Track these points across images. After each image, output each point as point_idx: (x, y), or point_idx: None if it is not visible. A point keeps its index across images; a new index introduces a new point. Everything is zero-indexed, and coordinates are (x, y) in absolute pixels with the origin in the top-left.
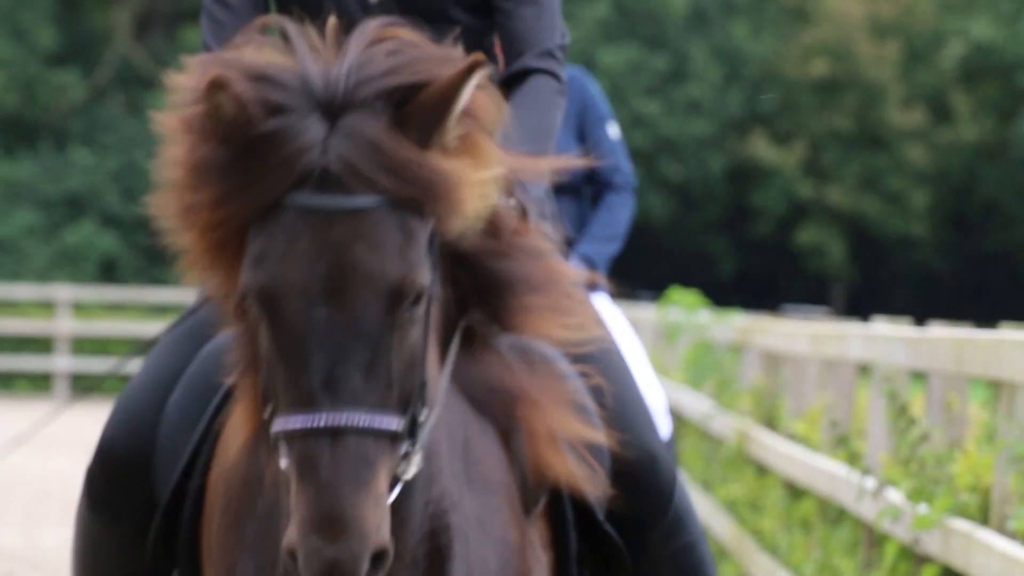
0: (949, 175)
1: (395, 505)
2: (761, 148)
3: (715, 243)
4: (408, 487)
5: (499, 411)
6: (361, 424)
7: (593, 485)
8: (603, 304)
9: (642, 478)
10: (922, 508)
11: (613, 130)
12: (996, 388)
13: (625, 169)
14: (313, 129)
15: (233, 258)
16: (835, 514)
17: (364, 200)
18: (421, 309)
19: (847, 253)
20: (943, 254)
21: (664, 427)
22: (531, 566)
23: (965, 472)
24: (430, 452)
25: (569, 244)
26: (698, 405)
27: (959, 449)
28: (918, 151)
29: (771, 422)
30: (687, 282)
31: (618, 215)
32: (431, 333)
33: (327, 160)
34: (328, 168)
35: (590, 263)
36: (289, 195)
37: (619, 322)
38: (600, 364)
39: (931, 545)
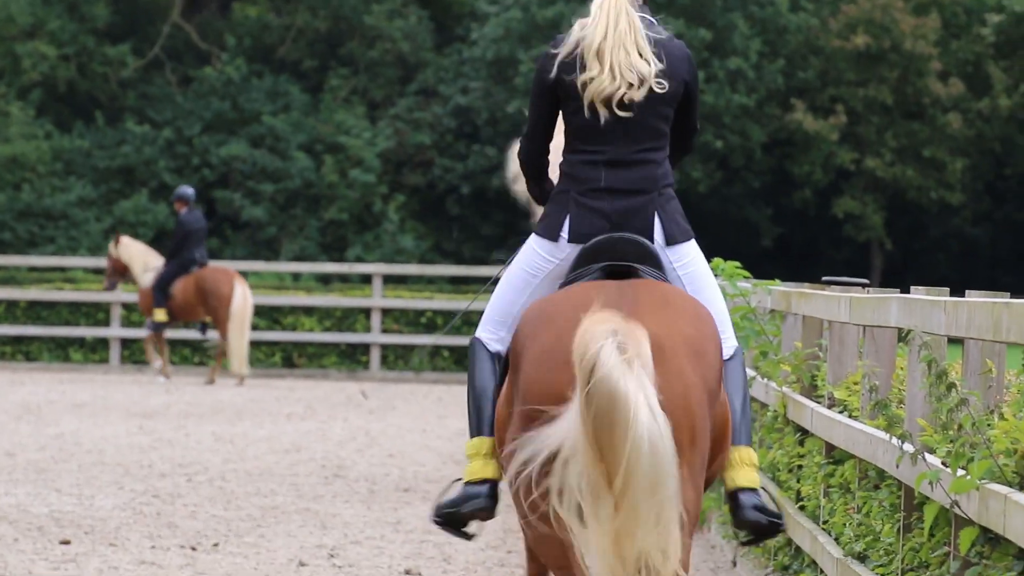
0: (986, 144)
1: None
2: (803, 119)
3: (756, 212)
4: None
5: None
6: None
7: None
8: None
9: None
10: (960, 472)
11: None
12: None
13: None
14: None
15: None
16: (875, 478)
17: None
18: None
19: (886, 221)
20: (980, 222)
21: None
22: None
23: (1002, 436)
24: None
25: None
26: None
27: (996, 414)
28: (956, 121)
29: (811, 388)
30: (728, 250)
31: None
32: None
33: None
34: None
35: None
36: None
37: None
38: None
39: (969, 508)
